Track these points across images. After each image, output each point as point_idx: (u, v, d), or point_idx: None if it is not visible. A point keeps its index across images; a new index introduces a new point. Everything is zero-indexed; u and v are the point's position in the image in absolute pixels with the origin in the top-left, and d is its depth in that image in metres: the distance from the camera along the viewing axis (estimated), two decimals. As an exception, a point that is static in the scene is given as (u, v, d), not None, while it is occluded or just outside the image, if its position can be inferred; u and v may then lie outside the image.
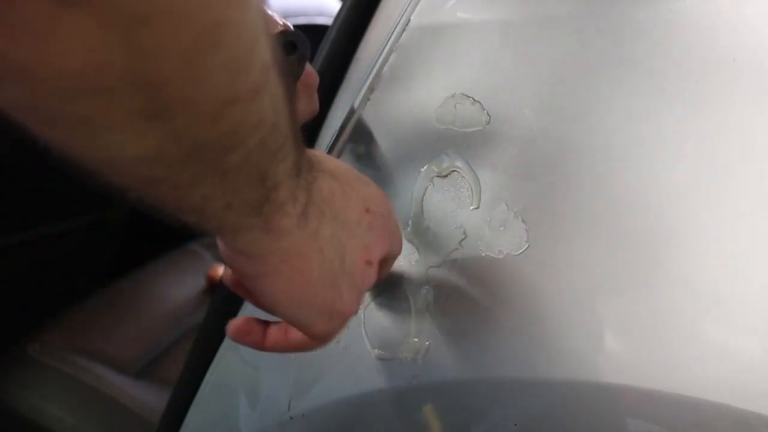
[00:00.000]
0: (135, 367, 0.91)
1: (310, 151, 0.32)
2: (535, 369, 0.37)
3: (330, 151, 0.48)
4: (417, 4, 0.45)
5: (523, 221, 0.38)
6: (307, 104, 0.44)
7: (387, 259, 0.39)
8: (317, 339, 0.36)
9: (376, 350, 0.43)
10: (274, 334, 0.37)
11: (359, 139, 0.47)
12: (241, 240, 0.30)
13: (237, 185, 0.26)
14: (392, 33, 0.46)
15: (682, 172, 0.34)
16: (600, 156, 0.36)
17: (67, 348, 0.90)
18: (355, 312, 0.37)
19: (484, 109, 0.40)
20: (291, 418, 0.47)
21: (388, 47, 0.46)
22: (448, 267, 0.40)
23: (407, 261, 0.42)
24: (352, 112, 0.47)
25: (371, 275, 0.36)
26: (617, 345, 0.34)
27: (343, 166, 0.36)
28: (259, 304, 0.36)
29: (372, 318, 0.43)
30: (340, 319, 0.36)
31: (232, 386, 0.53)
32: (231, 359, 0.54)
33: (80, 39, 0.18)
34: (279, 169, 0.27)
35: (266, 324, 0.37)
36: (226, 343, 0.54)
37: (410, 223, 0.43)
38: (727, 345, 0.32)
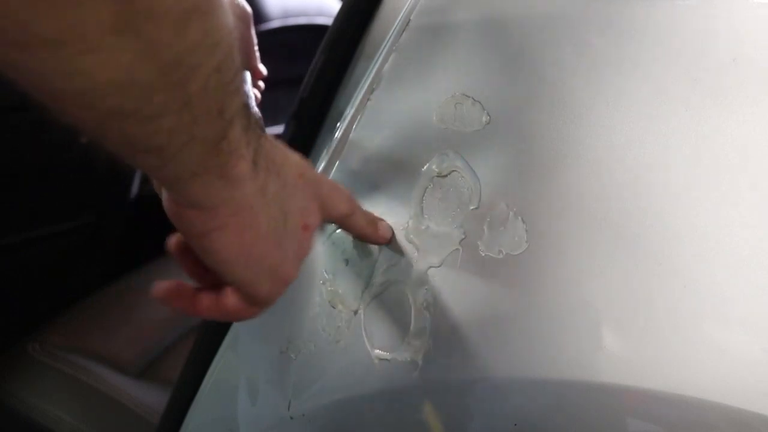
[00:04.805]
0: (135, 367, 0.91)
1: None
2: (535, 369, 0.37)
3: (330, 151, 0.48)
4: (417, 4, 0.45)
5: (523, 221, 0.38)
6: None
7: (339, 219, 0.41)
8: (258, 303, 0.36)
9: (376, 350, 0.43)
10: (206, 299, 0.36)
11: (359, 139, 0.47)
12: (194, 188, 0.30)
13: (199, 115, 0.27)
14: (392, 33, 0.46)
15: (681, 171, 0.34)
16: (600, 156, 0.36)
17: (67, 348, 0.90)
18: (295, 277, 0.37)
19: (484, 109, 0.40)
20: (291, 418, 0.47)
21: (388, 47, 0.46)
22: (448, 267, 0.40)
23: (407, 261, 0.42)
24: (352, 112, 0.47)
25: (309, 240, 0.37)
26: (617, 345, 0.34)
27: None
28: (205, 264, 0.35)
29: (372, 318, 0.43)
30: (283, 282, 0.36)
31: (232, 386, 0.53)
32: (231, 359, 0.54)
33: None
34: (233, 102, 0.28)
35: (198, 289, 0.36)
36: (226, 343, 0.54)
37: (410, 223, 0.43)
38: (727, 345, 0.32)
